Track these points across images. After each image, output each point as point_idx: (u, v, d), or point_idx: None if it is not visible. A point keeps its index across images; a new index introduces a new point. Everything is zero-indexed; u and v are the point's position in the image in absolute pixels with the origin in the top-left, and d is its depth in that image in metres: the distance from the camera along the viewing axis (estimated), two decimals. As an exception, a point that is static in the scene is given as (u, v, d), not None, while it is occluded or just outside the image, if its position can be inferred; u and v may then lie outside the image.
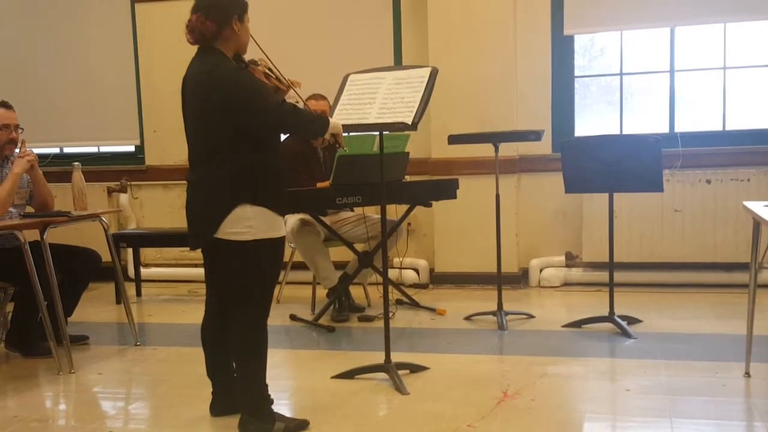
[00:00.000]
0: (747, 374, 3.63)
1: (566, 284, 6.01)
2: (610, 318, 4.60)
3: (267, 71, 3.16)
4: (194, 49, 3.08)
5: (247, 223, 2.95)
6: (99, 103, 6.96)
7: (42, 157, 4.97)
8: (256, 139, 2.98)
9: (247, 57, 3.18)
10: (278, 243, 3.05)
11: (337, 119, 3.56)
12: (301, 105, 3.24)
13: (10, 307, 4.52)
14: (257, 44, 3.16)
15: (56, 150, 7.18)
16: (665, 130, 5.89)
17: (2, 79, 6.92)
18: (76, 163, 4.60)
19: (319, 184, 4.94)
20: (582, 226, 5.89)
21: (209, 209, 3.00)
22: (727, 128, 5.84)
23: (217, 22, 2.99)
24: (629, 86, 6.13)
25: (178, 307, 5.80)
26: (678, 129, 5.86)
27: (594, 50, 6.37)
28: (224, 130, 2.93)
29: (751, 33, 5.85)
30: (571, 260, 6.07)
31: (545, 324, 4.87)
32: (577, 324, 4.71)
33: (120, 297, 5.46)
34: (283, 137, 4.46)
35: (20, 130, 4.40)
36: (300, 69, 6.14)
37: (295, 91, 3.24)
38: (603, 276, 5.10)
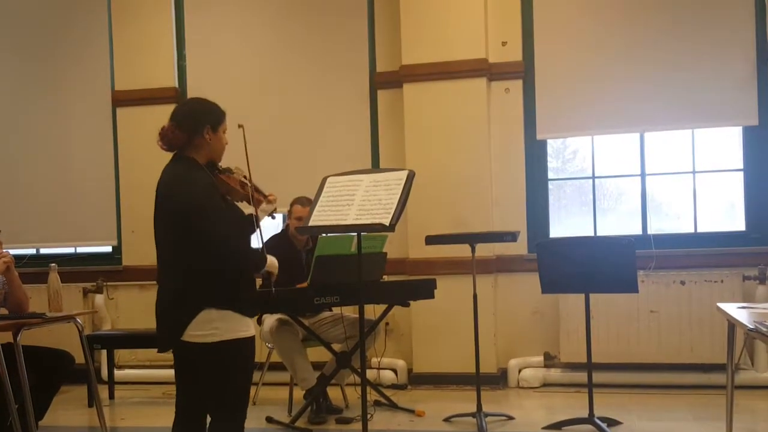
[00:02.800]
0: (728, 477, 3.60)
1: (545, 384, 5.96)
2: (590, 420, 4.56)
3: (243, 179, 3.20)
4: (171, 152, 3.15)
5: (213, 325, 2.96)
6: (77, 203, 6.98)
7: (18, 258, 4.95)
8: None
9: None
10: (246, 342, 3.05)
11: (316, 221, 3.61)
12: (273, 216, 3.26)
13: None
14: (246, 157, 3.18)
15: (33, 251, 7.15)
16: (638, 231, 6.00)
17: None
18: (53, 265, 4.60)
19: (298, 285, 4.95)
20: (559, 326, 5.90)
21: (175, 313, 3.02)
22: (699, 230, 5.96)
23: (188, 132, 3.08)
24: (602, 188, 6.28)
25: (152, 410, 5.68)
26: (651, 231, 5.97)
27: (567, 153, 6.55)
28: (183, 237, 2.97)
29: (719, 138, 6.05)
30: (549, 360, 6.05)
31: (525, 426, 4.81)
32: (557, 426, 4.66)
33: (92, 400, 5.34)
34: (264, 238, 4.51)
35: (-2, 232, 4.41)
36: (279, 172, 6.30)
37: (268, 202, 3.21)
38: (582, 376, 5.08)
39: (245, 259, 3.13)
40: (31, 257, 7.07)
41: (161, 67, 6.80)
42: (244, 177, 3.21)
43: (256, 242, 3.20)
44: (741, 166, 5.92)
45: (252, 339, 3.07)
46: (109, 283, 6.84)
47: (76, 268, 6.81)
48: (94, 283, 6.79)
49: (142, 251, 6.70)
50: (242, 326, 3.03)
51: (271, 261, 3.33)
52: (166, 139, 3.09)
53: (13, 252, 4.49)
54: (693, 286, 5.66)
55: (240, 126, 3.18)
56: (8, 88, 7.17)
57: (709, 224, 5.98)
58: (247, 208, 3.20)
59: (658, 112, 5.89)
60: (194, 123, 3.09)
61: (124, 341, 6.32)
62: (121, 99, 6.86)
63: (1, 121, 7.18)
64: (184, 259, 2.99)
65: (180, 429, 3.19)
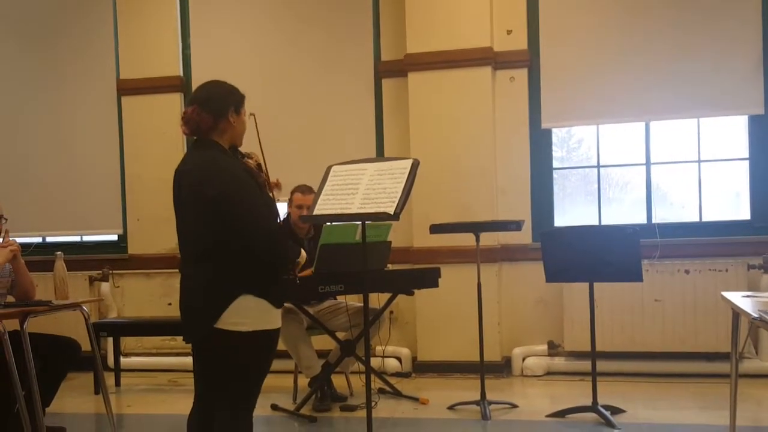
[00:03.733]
0: (731, 465, 3.61)
1: (549, 373, 5.98)
2: (593, 408, 4.58)
3: (259, 164, 3.18)
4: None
5: (248, 313, 2.91)
6: (83, 192, 7.00)
7: (24, 247, 4.97)
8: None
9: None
10: (273, 335, 3.02)
11: (320, 209, 3.62)
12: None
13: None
14: (260, 145, 3.16)
15: (39, 239, 7.18)
16: (643, 220, 6.00)
17: (-15, 167, 6.99)
18: (59, 253, 4.61)
19: (302, 273, 4.96)
20: (563, 314, 5.91)
21: (210, 300, 2.93)
22: (704, 219, 5.95)
23: (214, 115, 2.99)
24: (607, 177, 6.28)
25: (158, 398, 5.71)
26: (655, 220, 5.97)
27: (572, 142, 6.54)
28: (224, 224, 2.89)
29: (724, 127, 6.04)
30: (553, 349, 6.07)
31: (529, 414, 4.83)
32: (561, 414, 4.68)
33: (99, 387, 5.37)
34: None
35: (4, 221, 4.42)
36: (284, 161, 6.30)
37: (276, 189, 3.24)
38: (586, 365, 5.10)
39: (284, 245, 3.10)
40: (37, 245, 7.09)
41: (166, 55, 6.80)
42: (258, 164, 3.20)
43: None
44: (746, 155, 5.91)
45: (278, 333, 3.04)
46: (114, 271, 6.87)
47: (82, 256, 6.83)
48: (100, 271, 6.82)
49: (148, 239, 6.74)
50: (272, 317, 2.99)
51: (303, 256, 3.31)
52: (192, 122, 2.99)
53: (19, 240, 4.51)
54: (697, 275, 5.66)
55: (251, 114, 3.14)
56: (14, 77, 7.18)
57: (714, 213, 5.98)
58: None
59: (663, 101, 5.88)
60: (219, 105, 3.01)
61: (130, 329, 6.36)
62: (126, 88, 6.87)
63: (7, 110, 7.20)
64: (219, 246, 2.90)
65: (197, 418, 3.18)
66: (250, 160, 3.13)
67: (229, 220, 2.89)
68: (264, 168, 3.17)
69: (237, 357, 2.95)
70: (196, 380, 3.20)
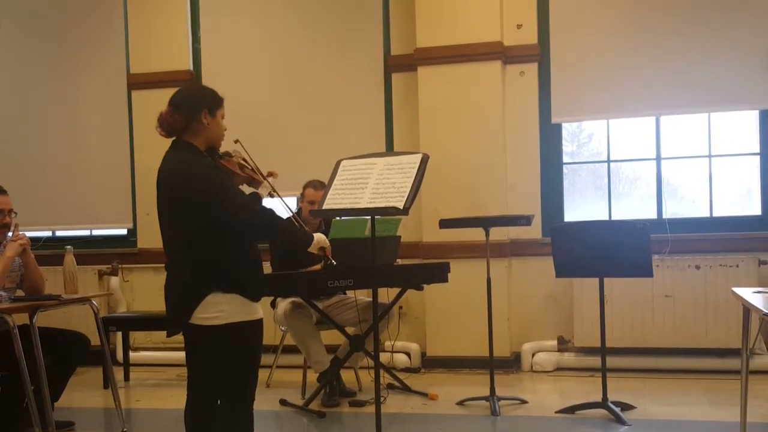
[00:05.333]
0: (742, 462, 3.59)
1: (559, 369, 5.96)
2: (603, 404, 4.56)
3: (242, 162, 3.23)
4: None
5: (219, 308, 2.98)
6: (93, 186, 7.02)
7: (34, 240, 4.99)
8: (225, 233, 3.00)
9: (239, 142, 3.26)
10: (253, 325, 3.07)
11: (330, 204, 3.61)
12: (273, 195, 3.32)
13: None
14: (252, 161, 3.26)
15: (48, 233, 7.20)
16: (653, 215, 5.97)
17: (-4, 160, 7.01)
18: (69, 247, 4.62)
19: (311, 268, 4.96)
20: (573, 310, 5.89)
21: (183, 296, 3.05)
22: (715, 214, 5.92)
23: (185, 116, 3.08)
24: (618, 172, 6.24)
25: (167, 392, 5.72)
26: (666, 215, 5.94)
27: (582, 136, 6.51)
28: (191, 223, 2.99)
29: (735, 122, 6.00)
30: (563, 345, 6.05)
31: (538, 409, 4.82)
32: (571, 410, 4.67)
33: (108, 381, 5.39)
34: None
35: (14, 215, 4.43)
36: (293, 155, 6.31)
37: (268, 182, 3.31)
38: (596, 361, 5.08)
39: (265, 212, 3.14)
40: (47, 239, 7.11)
41: (176, 49, 6.80)
42: (243, 159, 3.24)
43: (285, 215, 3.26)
44: (757, 150, 5.87)
45: (259, 322, 3.09)
46: (124, 266, 6.88)
47: (91, 250, 6.85)
48: (110, 266, 6.83)
49: (157, 234, 6.64)
50: (249, 309, 3.05)
51: (318, 237, 3.34)
52: (165, 123, 3.11)
53: (29, 234, 4.52)
54: (708, 270, 5.63)
55: (236, 141, 3.31)
56: (24, 72, 7.19)
57: (724, 208, 5.94)
58: (248, 191, 3.25)
59: (674, 95, 5.84)
60: (191, 106, 3.10)
61: (139, 323, 6.37)
62: (137, 82, 6.87)
63: (18, 105, 7.21)
64: (191, 245, 3.01)
65: (192, 412, 3.21)
66: (231, 158, 3.18)
67: (200, 217, 2.96)
68: (250, 164, 3.22)
69: (217, 350, 3.03)
70: (189, 374, 3.23)
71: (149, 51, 6.85)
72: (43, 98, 7.14)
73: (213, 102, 3.15)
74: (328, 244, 3.39)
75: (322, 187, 5.13)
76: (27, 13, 7.19)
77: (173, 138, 3.14)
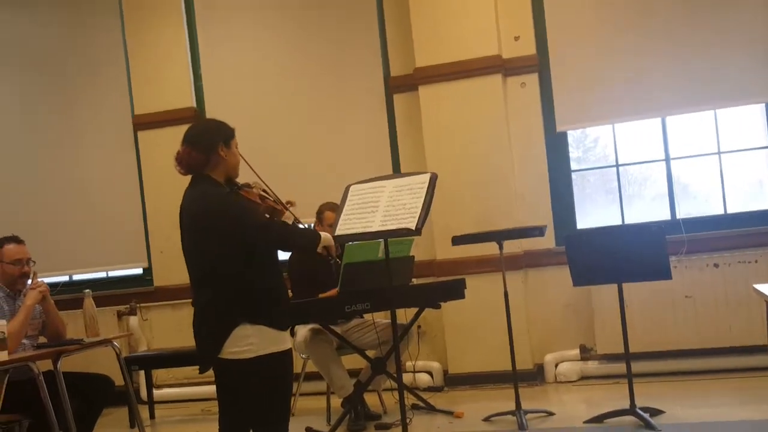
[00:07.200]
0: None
1: (583, 378, 5.92)
2: (631, 411, 4.51)
3: (262, 193, 3.27)
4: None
5: (248, 340, 3.00)
6: (106, 228, 7.06)
7: (52, 286, 5.02)
8: (249, 260, 3.04)
9: (243, 179, 3.30)
10: (282, 356, 3.08)
11: (342, 229, 3.62)
12: (297, 223, 3.35)
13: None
14: (251, 168, 3.30)
15: (66, 278, 7.24)
16: (667, 216, 5.95)
17: (10, 209, 7.07)
18: (87, 291, 4.65)
19: (327, 293, 4.95)
20: (593, 317, 5.85)
21: (211, 331, 3.07)
22: (729, 211, 5.88)
23: (203, 152, 3.14)
24: (627, 175, 6.23)
25: (192, 428, 5.72)
26: (680, 215, 5.91)
27: (588, 141, 6.51)
28: (215, 255, 3.03)
29: (742, 117, 5.97)
30: (585, 353, 6.00)
31: (566, 420, 4.78)
32: (599, 419, 4.62)
33: (134, 421, 5.38)
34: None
35: (32, 263, 4.47)
36: (301, 181, 6.32)
37: (289, 210, 3.34)
38: (620, 367, 5.04)
39: (293, 239, 3.24)
40: (64, 284, 7.15)
41: (178, 88, 6.87)
42: (263, 191, 3.28)
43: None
44: (766, 144, 5.84)
45: (288, 352, 3.10)
46: (142, 305, 6.90)
47: (109, 291, 6.88)
48: (128, 306, 6.85)
49: (173, 271, 6.76)
50: (277, 340, 3.06)
51: (324, 236, 3.36)
52: (184, 162, 3.16)
53: (46, 280, 4.55)
54: (727, 268, 5.58)
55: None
56: (30, 119, 7.27)
57: (738, 204, 5.91)
58: None
59: (678, 94, 5.82)
60: (207, 142, 3.16)
61: (161, 361, 6.37)
62: (142, 122, 6.94)
63: (26, 151, 7.29)
64: (216, 273, 3.04)
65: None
66: (251, 190, 3.22)
67: (226, 236, 3.01)
68: (269, 194, 3.27)
69: (249, 383, 3.04)
70: (220, 409, 3.24)
71: (152, 92, 6.92)
72: (51, 145, 7.22)
73: (226, 134, 3.22)
74: (332, 242, 3.40)
75: (339, 207, 5.15)
76: (28, 63, 7.28)
77: (191, 174, 3.18)
